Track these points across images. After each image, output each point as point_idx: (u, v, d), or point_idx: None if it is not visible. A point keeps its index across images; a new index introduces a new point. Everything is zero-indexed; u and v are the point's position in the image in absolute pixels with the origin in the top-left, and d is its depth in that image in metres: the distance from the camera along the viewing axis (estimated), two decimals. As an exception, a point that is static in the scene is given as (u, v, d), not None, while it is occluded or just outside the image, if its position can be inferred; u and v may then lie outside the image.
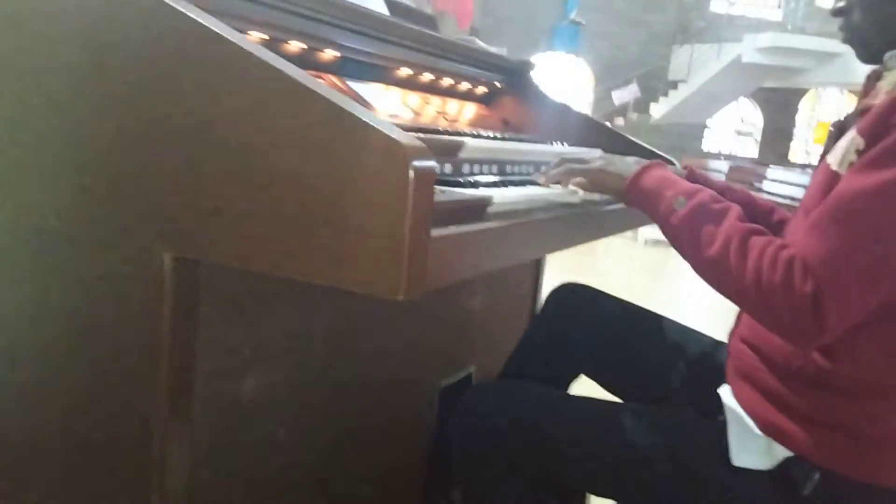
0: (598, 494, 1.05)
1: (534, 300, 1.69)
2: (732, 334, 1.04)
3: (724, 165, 11.92)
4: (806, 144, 14.89)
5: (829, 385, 0.89)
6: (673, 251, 0.94)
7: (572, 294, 1.30)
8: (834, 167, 0.89)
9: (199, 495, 0.90)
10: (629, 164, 1.02)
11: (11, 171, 0.86)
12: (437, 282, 0.70)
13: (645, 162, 1.02)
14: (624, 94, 11.49)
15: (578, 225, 1.07)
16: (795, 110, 14.88)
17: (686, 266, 0.92)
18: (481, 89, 1.60)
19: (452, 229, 0.73)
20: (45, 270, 0.87)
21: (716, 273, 0.88)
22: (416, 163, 0.64)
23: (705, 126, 13.98)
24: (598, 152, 1.06)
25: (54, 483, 0.91)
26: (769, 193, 10.14)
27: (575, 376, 1.28)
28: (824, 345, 0.87)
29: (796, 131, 14.90)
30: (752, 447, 0.92)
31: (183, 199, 0.74)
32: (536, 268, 1.69)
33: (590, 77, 13.21)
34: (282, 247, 0.70)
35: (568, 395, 1.19)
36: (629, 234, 7.83)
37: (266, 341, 0.97)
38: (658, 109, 12.22)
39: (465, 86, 1.52)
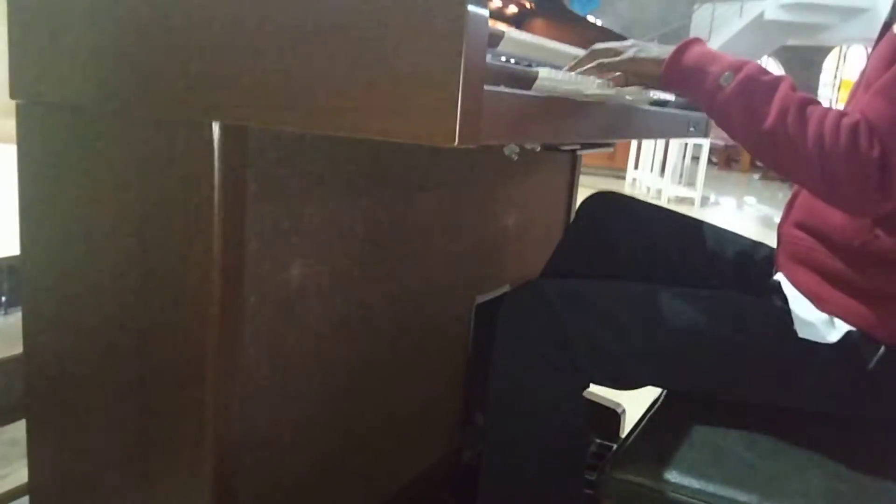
0: (652, 381, 1.02)
1: (567, 222, 1.69)
2: (784, 223, 1.04)
3: (746, 125, 11.79)
4: (830, 104, 14.58)
5: (893, 260, 0.89)
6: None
7: (605, 202, 1.29)
8: None
9: (245, 385, 0.92)
10: (665, 48, 0.98)
11: (53, 50, 0.87)
12: (490, 136, 0.70)
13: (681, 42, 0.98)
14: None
15: (620, 117, 1.06)
16: (819, 70, 14.62)
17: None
18: (512, 9, 1.58)
19: (503, 88, 0.73)
20: (95, 154, 0.88)
21: (772, 147, 0.85)
22: (472, 7, 0.64)
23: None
24: (629, 41, 1.03)
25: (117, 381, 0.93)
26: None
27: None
28: (887, 219, 0.86)
29: (820, 91, 14.63)
30: (814, 321, 0.92)
31: (229, 63, 0.74)
32: (569, 189, 1.68)
33: (609, 39, 13.00)
34: (334, 102, 0.69)
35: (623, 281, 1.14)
36: (653, 191, 7.78)
37: (312, 230, 0.98)
38: (679, 70, 12.02)
39: (495, 3, 1.51)
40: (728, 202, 8.61)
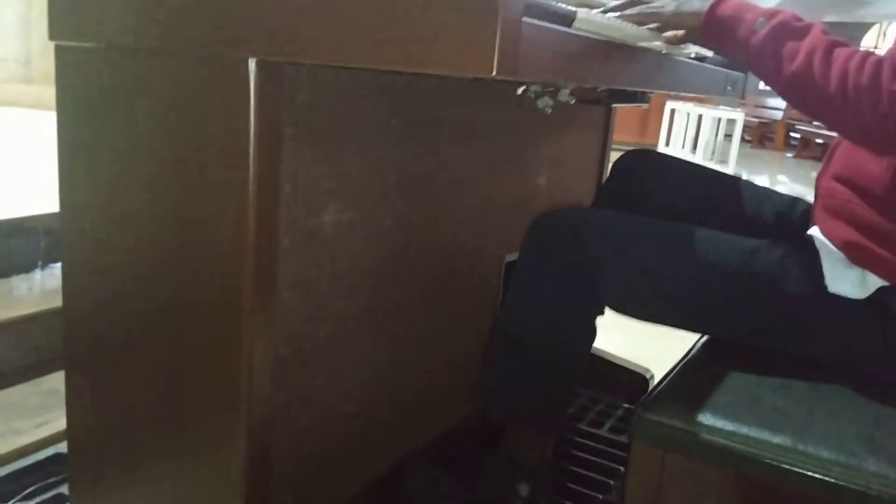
0: (675, 323, 1.03)
1: (599, 182, 1.67)
2: (822, 176, 1.03)
3: (781, 103, 11.55)
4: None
5: None
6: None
7: (641, 159, 1.28)
8: None
9: (279, 329, 0.93)
10: (706, 2, 0.99)
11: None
12: (527, 70, 0.69)
13: None
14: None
15: (657, 67, 1.04)
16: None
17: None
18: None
19: (542, 23, 0.72)
20: (131, 92, 0.89)
21: (799, 87, 0.86)
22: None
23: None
24: None
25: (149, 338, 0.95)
26: (829, 130, 9.82)
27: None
28: None
29: (858, 69, 14.25)
30: (846, 277, 0.92)
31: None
32: (602, 148, 1.66)
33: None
34: (372, 34, 0.69)
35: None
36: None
37: (346, 177, 0.98)
38: (713, 47, 11.79)
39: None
40: (761, 181, 8.45)
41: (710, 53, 1.31)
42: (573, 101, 1.21)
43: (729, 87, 1.45)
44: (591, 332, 1.12)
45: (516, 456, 1.21)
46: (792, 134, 10.94)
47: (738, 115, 7.67)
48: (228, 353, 0.88)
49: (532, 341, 1.12)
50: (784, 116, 11.20)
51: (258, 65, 0.77)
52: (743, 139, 10.01)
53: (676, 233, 1.03)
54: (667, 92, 1.15)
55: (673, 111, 7.74)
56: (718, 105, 8.11)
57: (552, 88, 1.17)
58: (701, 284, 0.97)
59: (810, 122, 10.51)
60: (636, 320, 1.07)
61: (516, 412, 1.20)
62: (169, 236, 0.90)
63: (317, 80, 0.89)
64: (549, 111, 1.23)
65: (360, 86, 0.97)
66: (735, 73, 1.49)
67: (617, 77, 0.92)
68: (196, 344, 0.91)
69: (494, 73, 0.64)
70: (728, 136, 8.14)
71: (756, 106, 11.51)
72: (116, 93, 0.90)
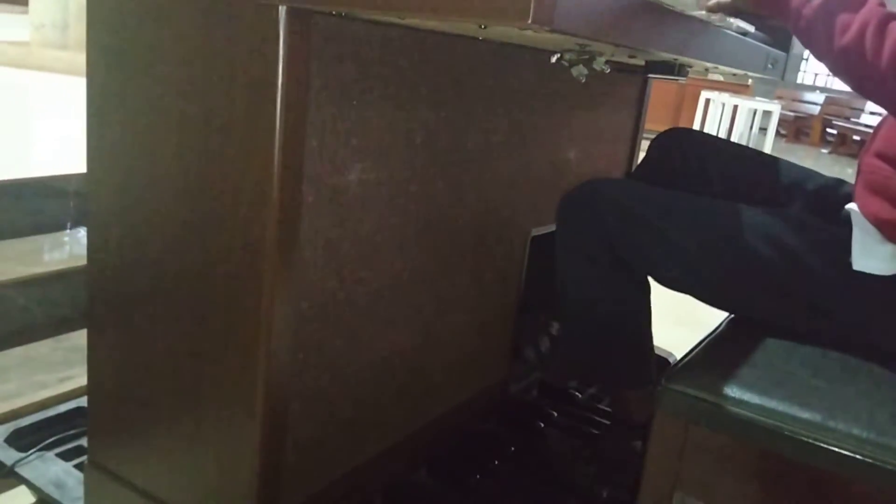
0: (700, 295, 1.04)
1: (631, 158, 1.64)
2: (866, 152, 1.00)
3: (819, 97, 11.31)
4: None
5: None
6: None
7: (679, 136, 1.25)
8: None
9: (300, 287, 0.92)
10: None
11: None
12: (563, 22, 0.67)
13: None
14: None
15: (697, 35, 1.01)
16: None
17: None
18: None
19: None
20: (160, 36, 0.88)
21: (849, 61, 0.83)
22: None
23: (803, 57, 13.21)
24: None
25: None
26: (866, 127, 9.61)
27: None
28: None
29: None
30: (875, 253, 0.90)
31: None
32: (635, 125, 1.63)
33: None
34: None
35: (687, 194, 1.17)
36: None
37: (372, 135, 0.96)
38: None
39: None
40: (794, 175, 8.30)
41: (751, 28, 1.27)
42: (608, 70, 1.18)
43: (769, 66, 1.40)
44: (642, 292, 1.15)
45: (627, 416, 1.27)
46: (829, 130, 10.72)
47: (775, 108, 7.53)
48: (249, 309, 0.88)
49: (590, 310, 1.16)
50: (821, 111, 10.96)
51: (288, 12, 0.76)
52: (778, 133, 9.83)
53: (705, 206, 1.02)
54: (704, 63, 1.12)
55: (708, 101, 7.61)
56: (755, 97, 7.96)
57: (587, 56, 1.14)
58: (725, 257, 0.97)
59: (848, 119, 10.28)
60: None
61: (605, 375, 1.27)
62: (194, 192, 0.89)
63: (347, 33, 0.88)
64: (584, 80, 1.20)
65: (391, 43, 0.95)
66: (777, 51, 1.45)
67: (654, 40, 0.89)
68: (217, 301, 0.91)
69: (530, 20, 0.62)
70: (763, 129, 8.00)
71: (793, 100, 11.29)
72: (144, 43, 0.89)
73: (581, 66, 1.17)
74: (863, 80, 0.83)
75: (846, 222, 0.95)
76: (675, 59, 1.10)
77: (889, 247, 0.89)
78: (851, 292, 0.91)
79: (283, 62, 0.78)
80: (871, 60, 0.80)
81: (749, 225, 0.95)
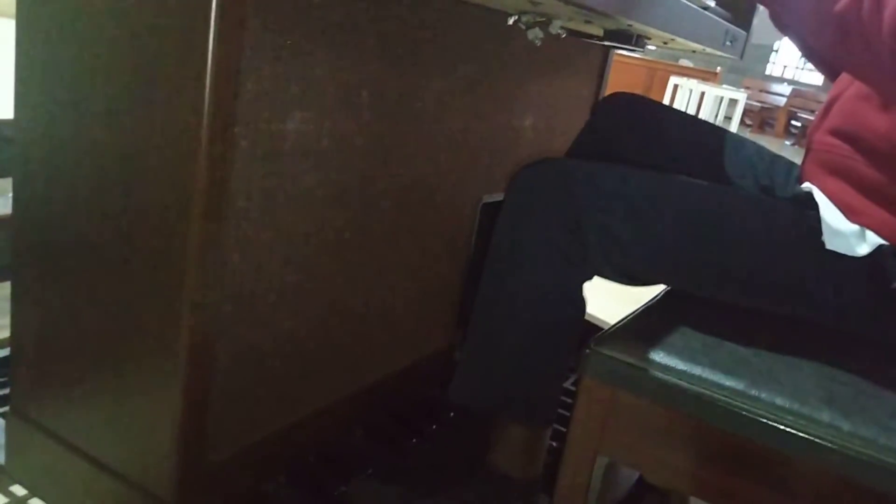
0: (665, 279, 0.97)
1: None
2: (816, 129, 0.98)
3: (786, 89, 11.46)
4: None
5: None
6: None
7: (626, 102, 1.23)
8: None
9: (230, 236, 0.89)
10: None
11: None
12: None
13: None
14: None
15: (656, 5, 0.99)
16: None
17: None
18: None
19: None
20: None
21: (843, 36, 0.78)
22: None
23: (772, 49, 13.35)
24: None
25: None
26: (830, 122, 9.74)
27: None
28: None
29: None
30: (844, 235, 0.88)
31: None
32: (595, 95, 1.61)
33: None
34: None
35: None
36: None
37: (315, 83, 0.93)
38: (722, 26, 11.64)
39: None
40: (756, 165, 8.41)
41: (711, 2, 1.26)
42: (564, 35, 1.16)
43: (728, 42, 1.40)
44: (583, 299, 1.00)
45: (505, 463, 1.06)
46: (793, 122, 10.88)
47: (741, 96, 7.60)
48: (175, 259, 0.85)
49: (521, 309, 0.97)
50: (787, 103, 11.12)
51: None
52: (743, 123, 9.94)
53: (670, 185, 0.95)
54: (662, 33, 1.10)
55: (676, 86, 7.66)
56: (722, 85, 8.03)
57: (543, 19, 1.12)
58: (692, 239, 0.91)
59: (813, 112, 10.44)
60: (623, 285, 0.99)
61: (505, 398, 1.02)
62: (121, 138, 0.85)
63: (289, -27, 0.84)
64: (539, 43, 1.18)
65: (337, -12, 0.92)
66: (737, 28, 1.44)
67: (607, 2, 0.87)
68: (144, 252, 0.87)
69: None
70: (728, 118, 8.08)
71: (760, 90, 11.42)
72: None
73: (537, 28, 1.16)
74: (855, 51, 0.78)
75: (807, 199, 0.94)
76: (630, 26, 1.08)
77: (858, 229, 0.87)
78: (824, 272, 0.89)
79: (218, -2, 0.74)
80: (868, 28, 0.74)
81: (726, 205, 0.92)
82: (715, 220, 0.92)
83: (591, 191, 0.93)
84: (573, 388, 1.53)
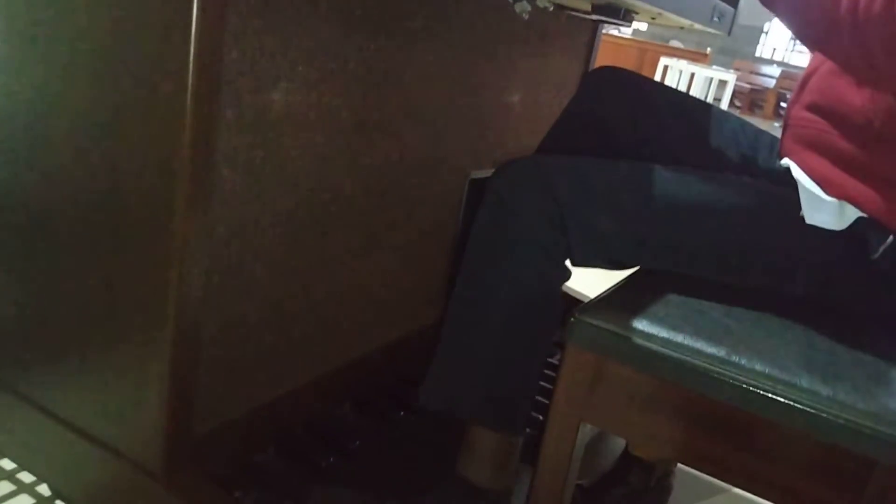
0: (650, 265, 0.96)
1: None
2: (793, 105, 0.99)
3: (775, 71, 11.47)
4: None
5: None
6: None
7: (612, 77, 1.23)
8: None
9: (217, 206, 0.89)
10: None
11: None
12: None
13: None
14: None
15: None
16: None
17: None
18: None
19: None
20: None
21: (801, 8, 0.79)
22: None
23: (762, 31, 13.34)
24: None
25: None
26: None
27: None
28: None
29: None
30: (823, 209, 0.88)
31: None
32: (584, 71, 1.61)
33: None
34: None
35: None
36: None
37: (301, 54, 0.93)
38: (712, 7, 11.62)
39: None
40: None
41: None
42: (551, 8, 1.16)
43: (716, 18, 1.40)
44: (561, 303, 0.98)
45: (474, 473, 1.01)
46: (782, 103, 10.90)
47: (730, 77, 7.61)
48: (161, 229, 0.84)
49: (497, 310, 0.94)
50: (776, 85, 11.14)
51: None
52: (733, 104, 9.95)
53: (650, 175, 0.94)
54: (649, 7, 1.10)
55: (666, 67, 7.66)
56: (712, 66, 8.03)
57: (530, -8, 1.12)
58: (677, 225, 0.91)
59: (802, 94, 10.47)
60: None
61: (477, 403, 0.98)
62: (103, 107, 0.85)
63: (274, -59, 0.83)
64: (527, 17, 1.18)
65: (323, -42, 0.91)
66: (724, 4, 1.44)
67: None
68: (129, 222, 0.87)
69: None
70: (718, 99, 8.08)
71: (750, 72, 11.42)
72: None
73: (524, 2, 1.15)
74: (819, 25, 0.79)
75: (786, 175, 0.94)
76: (617, -1, 1.08)
77: (836, 203, 0.88)
78: (805, 246, 0.90)
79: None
80: (830, 6, 0.75)
81: (707, 190, 0.93)
82: (699, 206, 0.92)
83: (574, 187, 0.92)
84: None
